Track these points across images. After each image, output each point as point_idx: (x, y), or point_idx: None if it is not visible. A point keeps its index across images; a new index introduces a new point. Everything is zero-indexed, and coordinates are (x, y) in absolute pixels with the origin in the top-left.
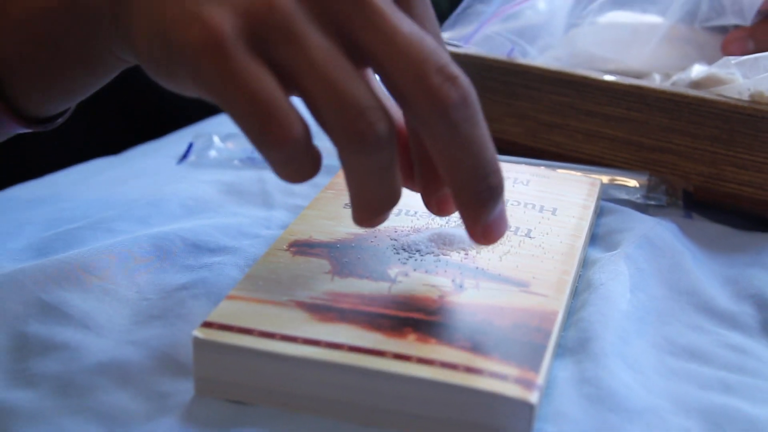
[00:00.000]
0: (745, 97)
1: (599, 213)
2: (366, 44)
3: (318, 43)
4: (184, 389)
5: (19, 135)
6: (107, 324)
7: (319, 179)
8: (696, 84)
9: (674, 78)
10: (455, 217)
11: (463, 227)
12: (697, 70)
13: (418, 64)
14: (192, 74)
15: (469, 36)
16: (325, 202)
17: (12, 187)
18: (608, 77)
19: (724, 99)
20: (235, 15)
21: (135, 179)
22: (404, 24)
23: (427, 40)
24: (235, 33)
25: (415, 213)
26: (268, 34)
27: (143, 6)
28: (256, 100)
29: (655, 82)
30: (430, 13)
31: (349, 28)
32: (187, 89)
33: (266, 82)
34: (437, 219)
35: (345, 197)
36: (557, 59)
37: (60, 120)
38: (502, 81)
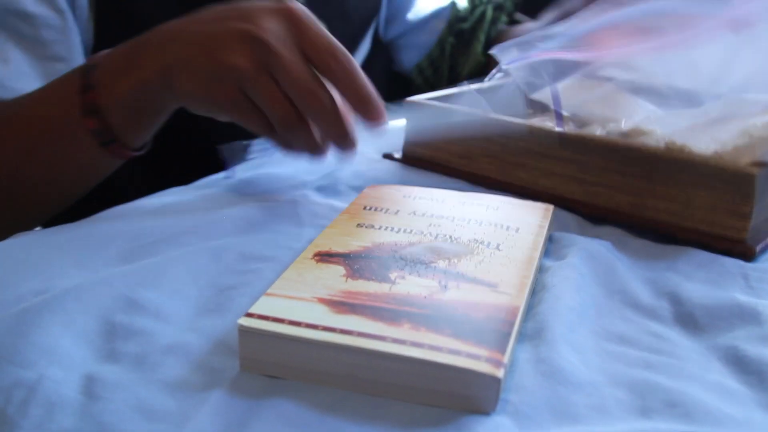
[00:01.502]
0: (662, 144)
1: (551, 233)
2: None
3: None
4: (232, 366)
5: (113, 174)
6: (174, 315)
7: (341, 204)
8: (625, 134)
9: (609, 128)
10: (443, 232)
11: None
12: (626, 123)
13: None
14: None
15: (514, 60)
16: (341, 223)
17: (106, 210)
18: (558, 129)
19: (645, 146)
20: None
21: (198, 204)
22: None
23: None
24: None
25: (411, 231)
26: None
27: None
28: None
29: (595, 132)
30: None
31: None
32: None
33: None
34: (428, 236)
35: (358, 219)
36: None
37: (146, 148)
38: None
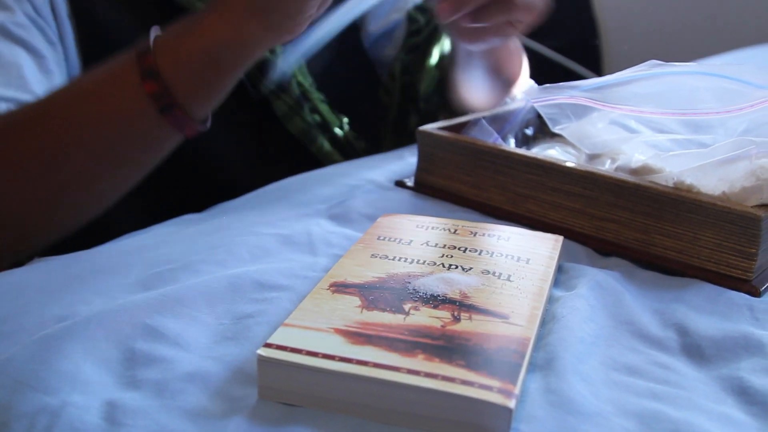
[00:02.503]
0: (670, 183)
1: (560, 264)
2: None
3: None
4: (250, 394)
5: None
6: (194, 342)
7: (355, 233)
8: (634, 171)
9: (618, 162)
10: (455, 262)
11: None
12: (636, 160)
13: None
14: None
15: (544, 99)
16: (357, 253)
17: (124, 237)
18: (569, 163)
19: (654, 185)
20: None
21: (215, 232)
22: None
23: None
24: None
25: (424, 262)
26: None
27: None
28: None
29: (605, 165)
30: None
31: None
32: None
33: None
34: (441, 266)
35: (372, 249)
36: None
37: (207, 124)
38: (490, 161)
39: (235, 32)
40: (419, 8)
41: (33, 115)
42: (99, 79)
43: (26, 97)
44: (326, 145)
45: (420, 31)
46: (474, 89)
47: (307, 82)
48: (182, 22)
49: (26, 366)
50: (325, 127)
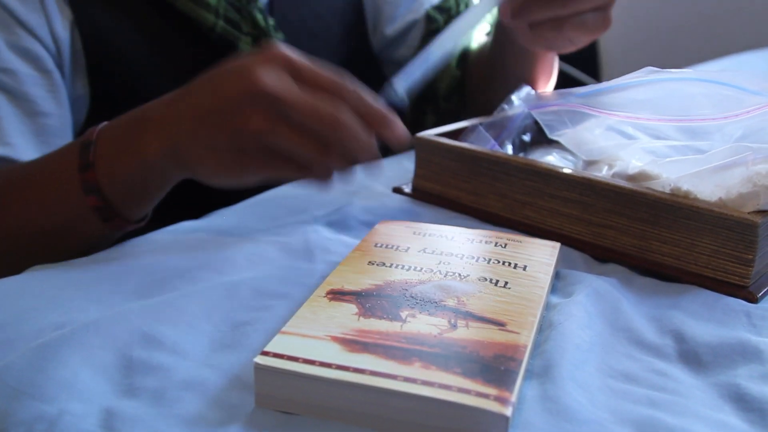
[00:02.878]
0: (667, 190)
1: (558, 271)
2: None
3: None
4: (248, 402)
5: None
6: (191, 350)
7: (352, 240)
8: (631, 177)
9: (615, 169)
10: (452, 269)
11: None
12: (633, 166)
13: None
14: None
15: (541, 106)
16: (353, 261)
17: (121, 245)
18: (566, 170)
19: (651, 191)
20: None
21: (212, 239)
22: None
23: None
24: None
25: (421, 269)
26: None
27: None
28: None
29: (602, 172)
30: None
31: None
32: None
33: None
34: (438, 273)
35: (369, 257)
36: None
37: (146, 219)
38: (488, 168)
39: (163, 156)
40: (438, 8)
41: None
42: (42, 182)
43: (1, 151)
44: None
45: (439, 30)
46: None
47: None
48: (122, 128)
49: (23, 374)
50: None
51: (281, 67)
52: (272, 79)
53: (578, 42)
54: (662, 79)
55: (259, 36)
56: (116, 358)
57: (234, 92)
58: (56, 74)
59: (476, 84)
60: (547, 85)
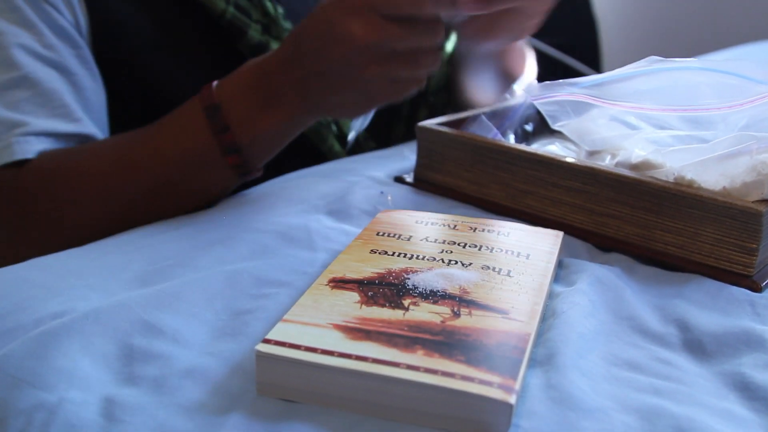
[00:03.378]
0: (671, 179)
1: (561, 260)
2: None
3: None
4: (249, 390)
5: None
6: (192, 339)
7: (353, 229)
8: (634, 166)
9: (618, 158)
10: (455, 258)
11: None
12: (636, 155)
13: None
14: None
15: (543, 96)
16: (355, 249)
17: (122, 234)
18: (569, 159)
19: (655, 180)
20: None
21: (213, 228)
22: None
23: None
24: None
25: (424, 258)
26: None
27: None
28: None
29: (605, 161)
30: None
31: None
32: None
33: None
34: (440, 262)
35: (371, 245)
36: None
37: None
38: (490, 157)
39: (306, 112)
40: None
41: (109, 171)
42: (180, 148)
43: (72, 127)
44: (336, 146)
45: None
46: (479, 89)
47: None
48: (251, 87)
49: (23, 362)
50: (337, 128)
51: (365, 10)
52: (365, 29)
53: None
54: (666, 69)
55: (269, 24)
56: (116, 346)
57: (340, 55)
58: (86, 49)
59: (458, 82)
60: (525, 70)
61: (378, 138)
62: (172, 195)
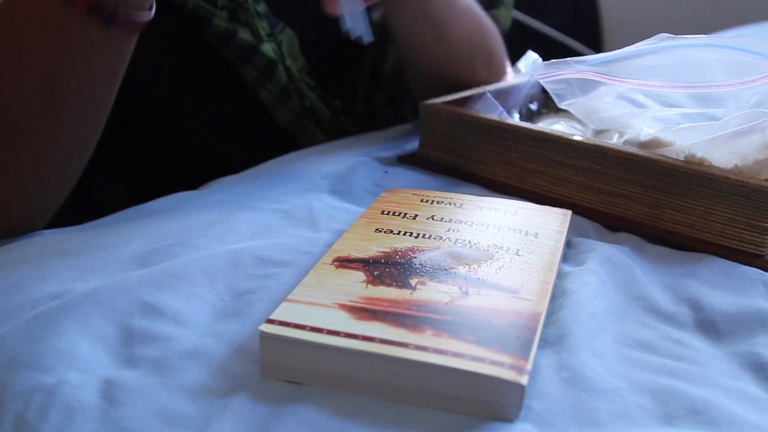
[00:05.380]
0: (681, 157)
1: (569, 239)
2: None
3: None
4: (252, 371)
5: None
6: (193, 320)
7: (357, 208)
8: (643, 145)
9: (626, 137)
10: (462, 237)
11: None
12: (645, 133)
13: None
14: None
15: (550, 74)
16: (360, 228)
17: (121, 212)
18: (576, 137)
19: (665, 158)
20: None
21: (213, 207)
22: None
23: None
24: None
25: (430, 237)
26: None
27: None
28: None
29: (613, 140)
30: None
31: None
32: None
33: None
34: (447, 241)
35: (376, 224)
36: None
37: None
38: (495, 136)
39: None
40: None
41: None
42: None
43: None
44: (318, 134)
45: None
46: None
47: (297, 66)
48: None
49: (21, 344)
50: (317, 115)
51: None
52: None
53: None
54: (675, 46)
55: (236, 9)
56: (116, 327)
57: None
58: None
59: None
60: (470, 27)
61: (363, 121)
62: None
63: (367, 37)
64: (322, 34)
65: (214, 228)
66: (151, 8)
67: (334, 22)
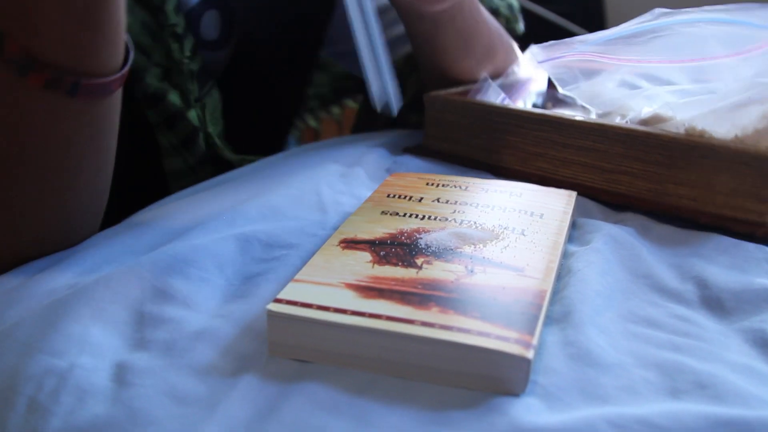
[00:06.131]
0: (681, 130)
1: (574, 220)
2: None
3: None
4: (260, 351)
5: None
6: (203, 303)
7: (364, 192)
8: (644, 121)
9: (629, 116)
10: (467, 218)
11: None
12: (646, 111)
13: None
14: None
15: (549, 59)
16: (366, 210)
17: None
18: (578, 117)
19: (665, 132)
20: None
21: (221, 192)
22: None
23: None
24: None
25: (436, 218)
26: None
27: None
28: None
29: (614, 120)
30: None
31: None
32: None
33: None
34: (453, 222)
35: (382, 207)
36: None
37: (129, 60)
38: (500, 122)
39: None
40: None
41: None
42: None
43: None
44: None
45: None
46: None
47: (216, 131)
48: None
49: (34, 330)
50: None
51: None
52: None
53: None
54: (672, 22)
55: (170, 68)
56: (127, 312)
57: None
58: None
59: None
60: (493, 44)
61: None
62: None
63: (397, 105)
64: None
65: (222, 213)
66: (125, 64)
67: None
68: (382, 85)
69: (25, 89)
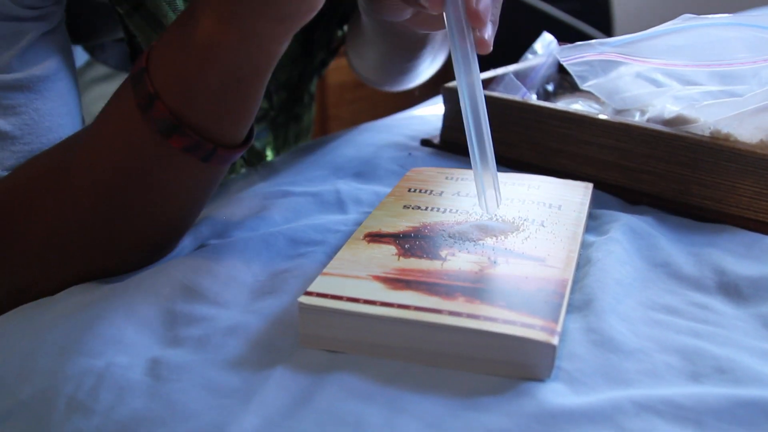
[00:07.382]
0: (707, 133)
1: (591, 211)
2: None
3: None
4: (291, 343)
5: None
6: (233, 300)
7: (383, 189)
8: (668, 122)
9: (648, 114)
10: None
11: None
12: (669, 111)
13: None
14: None
15: (573, 57)
16: (389, 205)
17: None
18: (602, 116)
19: (690, 135)
20: None
21: (247, 200)
22: None
23: None
24: None
25: (457, 211)
26: None
27: None
28: None
29: (635, 118)
30: None
31: None
32: None
33: None
34: (474, 214)
35: (404, 201)
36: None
37: (253, 136)
38: (519, 117)
39: (242, 34)
40: None
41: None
42: (114, 145)
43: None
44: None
45: None
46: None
47: None
48: (174, 35)
49: (70, 333)
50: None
51: None
52: None
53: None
54: (699, 25)
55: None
56: (159, 312)
57: None
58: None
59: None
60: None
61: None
62: (127, 210)
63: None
64: None
65: (246, 217)
66: (249, 139)
67: None
68: (495, 193)
69: (164, 148)
